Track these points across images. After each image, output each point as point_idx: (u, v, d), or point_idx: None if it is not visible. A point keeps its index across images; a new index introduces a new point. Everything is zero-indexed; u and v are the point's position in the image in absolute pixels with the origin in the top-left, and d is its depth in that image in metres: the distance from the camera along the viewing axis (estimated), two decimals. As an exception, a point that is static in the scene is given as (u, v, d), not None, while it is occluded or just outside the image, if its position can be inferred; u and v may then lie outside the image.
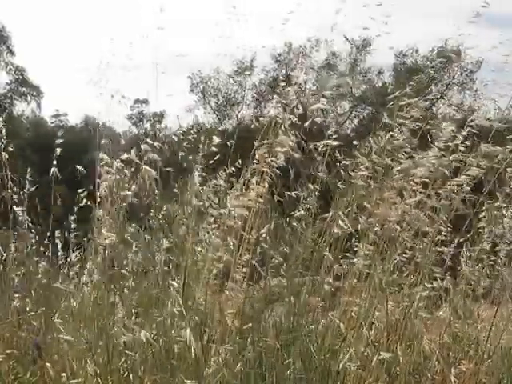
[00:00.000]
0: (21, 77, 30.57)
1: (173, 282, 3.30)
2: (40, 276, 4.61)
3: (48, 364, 3.73)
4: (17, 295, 4.13)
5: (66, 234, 5.58)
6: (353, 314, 3.40)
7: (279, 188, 3.49)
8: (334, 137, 3.57)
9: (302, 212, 3.76)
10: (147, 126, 32.33)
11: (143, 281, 3.68)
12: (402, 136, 3.29)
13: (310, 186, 3.74)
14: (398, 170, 3.26)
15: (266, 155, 3.26)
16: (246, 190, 3.34)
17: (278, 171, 3.31)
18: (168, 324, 3.22)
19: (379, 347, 3.33)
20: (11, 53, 30.24)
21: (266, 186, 3.31)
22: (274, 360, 3.34)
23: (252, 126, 3.64)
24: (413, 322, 3.50)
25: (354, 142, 3.55)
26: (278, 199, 3.58)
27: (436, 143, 3.31)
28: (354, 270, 3.43)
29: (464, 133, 3.36)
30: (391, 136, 3.29)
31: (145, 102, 31.85)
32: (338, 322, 3.33)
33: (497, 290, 4.01)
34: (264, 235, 3.44)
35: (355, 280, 3.45)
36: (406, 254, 3.41)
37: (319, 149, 3.53)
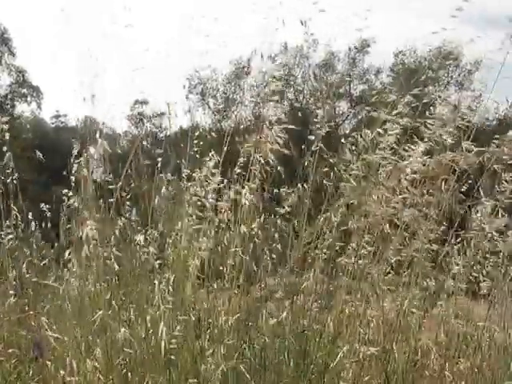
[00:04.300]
0: (21, 78, 30.63)
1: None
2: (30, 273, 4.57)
3: (49, 362, 3.75)
4: (12, 292, 4.12)
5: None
6: (349, 311, 3.44)
7: (269, 185, 3.51)
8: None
9: (287, 208, 3.78)
10: (147, 126, 32.32)
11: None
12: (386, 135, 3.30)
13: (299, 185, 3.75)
14: (387, 167, 3.28)
15: (252, 151, 3.29)
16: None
17: (268, 168, 3.33)
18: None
19: (376, 344, 3.36)
20: (12, 54, 30.33)
21: (257, 181, 3.34)
22: (272, 357, 3.38)
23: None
24: (408, 320, 3.53)
25: (342, 141, 3.57)
26: (269, 196, 3.61)
27: (425, 141, 3.32)
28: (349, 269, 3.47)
29: (450, 129, 3.34)
30: (378, 134, 3.30)
31: (144, 102, 31.90)
32: (334, 320, 3.37)
33: (492, 288, 4.02)
34: (256, 230, 3.47)
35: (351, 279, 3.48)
36: (399, 252, 3.44)
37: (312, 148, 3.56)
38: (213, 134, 3.97)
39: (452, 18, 3.46)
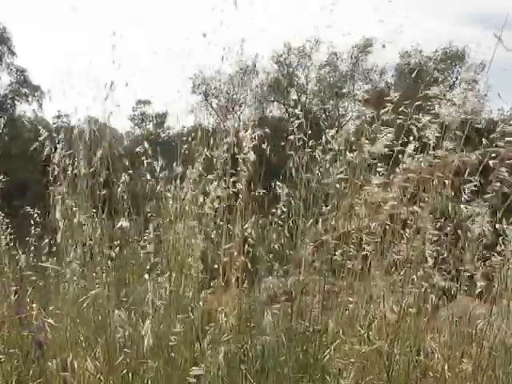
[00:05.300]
0: (22, 77, 30.58)
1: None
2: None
3: (49, 363, 3.73)
4: (14, 288, 4.12)
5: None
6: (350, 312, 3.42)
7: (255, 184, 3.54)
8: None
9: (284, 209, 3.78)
10: (149, 126, 32.40)
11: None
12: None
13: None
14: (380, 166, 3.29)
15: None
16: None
17: (249, 166, 3.36)
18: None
19: (378, 345, 3.34)
20: (12, 54, 30.27)
21: (243, 180, 3.36)
22: (273, 357, 3.37)
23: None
24: (411, 320, 3.51)
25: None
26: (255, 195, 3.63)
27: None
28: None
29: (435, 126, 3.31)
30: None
31: (147, 102, 31.99)
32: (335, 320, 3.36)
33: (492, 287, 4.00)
34: (249, 230, 3.47)
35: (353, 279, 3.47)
36: (399, 251, 3.42)
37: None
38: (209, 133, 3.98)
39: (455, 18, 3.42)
